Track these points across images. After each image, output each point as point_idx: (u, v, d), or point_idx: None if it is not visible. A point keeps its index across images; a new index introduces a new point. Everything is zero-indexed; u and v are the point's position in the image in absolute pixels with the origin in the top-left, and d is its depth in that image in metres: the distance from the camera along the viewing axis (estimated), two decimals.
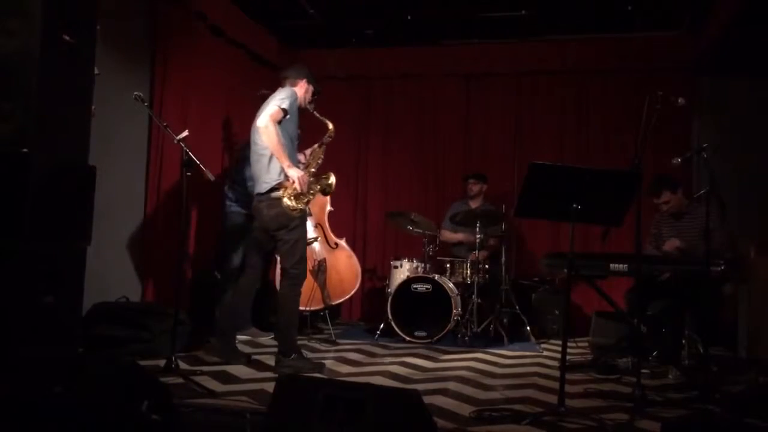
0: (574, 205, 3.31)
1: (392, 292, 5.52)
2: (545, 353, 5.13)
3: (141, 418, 2.27)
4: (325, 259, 5.65)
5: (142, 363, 3.17)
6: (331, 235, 5.84)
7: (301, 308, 5.03)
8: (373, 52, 7.08)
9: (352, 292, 5.87)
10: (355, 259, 5.90)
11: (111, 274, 4.73)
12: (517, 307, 5.68)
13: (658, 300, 4.56)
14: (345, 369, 4.30)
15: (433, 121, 7.09)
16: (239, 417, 2.90)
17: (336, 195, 5.12)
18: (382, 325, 5.56)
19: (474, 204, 6.18)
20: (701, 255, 3.85)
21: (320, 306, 5.58)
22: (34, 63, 2.88)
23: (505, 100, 6.93)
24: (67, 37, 3.01)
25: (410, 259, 5.86)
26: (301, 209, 4.07)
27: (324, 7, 6.13)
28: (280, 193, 4.06)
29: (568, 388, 3.33)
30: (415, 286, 5.48)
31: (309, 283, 5.00)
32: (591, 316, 5.23)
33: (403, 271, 5.78)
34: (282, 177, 4.07)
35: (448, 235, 6.21)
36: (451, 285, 5.54)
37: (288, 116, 4.10)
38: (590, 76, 6.73)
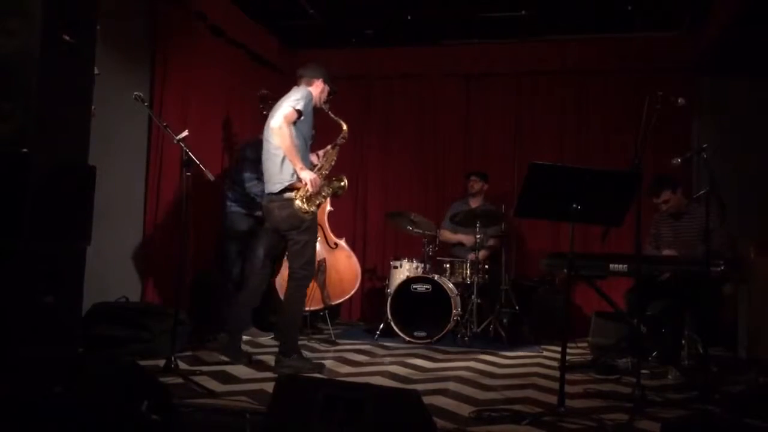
0: (574, 206, 3.31)
1: (392, 292, 5.52)
2: (545, 353, 5.13)
3: (141, 418, 2.27)
4: (324, 259, 5.65)
5: (142, 363, 3.17)
6: (331, 235, 5.84)
7: None
8: (373, 52, 7.08)
9: (352, 293, 5.87)
10: (354, 259, 5.89)
11: (111, 274, 4.73)
12: (517, 308, 5.69)
13: (657, 300, 4.56)
14: (344, 369, 4.29)
15: (433, 121, 7.09)
16: (239, 417, 2.90)
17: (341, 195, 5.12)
18: (381, 326, 5.56)
19: (474, 203, 6.18)
20: (701, 255, 3.85)
21: (320, 306, 5.57)
22: (34, 63, 2.88)
23: (505, 100, 6.93)
24: (67, 37, 3.01)
25: (410, 260, 5.85)
26: (312, 212, 4.07)
27: (324, 7, 6.13)
28: (292, 194, 4.06)
29: (567, 388, 3.33)
30: (414, 287, 5.48)
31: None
32: (591, 317, 5.23)
33: (402, 271, 5.78)
34: (294, 178, 4.06)
35: (448, 235, 6.21)
36: (450, 285, 5.54)
37: (302, 117, 4.08)
38: (590, 76, 6.73)
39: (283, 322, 4.18)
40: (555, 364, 4.55)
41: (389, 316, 5.44)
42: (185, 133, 4.03)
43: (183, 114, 5.38)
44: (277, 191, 4.11)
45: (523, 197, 3.45)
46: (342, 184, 4.26)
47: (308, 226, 4.10)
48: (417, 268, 5.78)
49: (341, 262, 5.79)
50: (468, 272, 5.67)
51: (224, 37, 5.99)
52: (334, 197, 4.48)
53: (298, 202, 4.03)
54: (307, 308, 5.29)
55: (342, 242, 5.89)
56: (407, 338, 5.35)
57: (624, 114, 6.36)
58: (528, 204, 3.49)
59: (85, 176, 3.20)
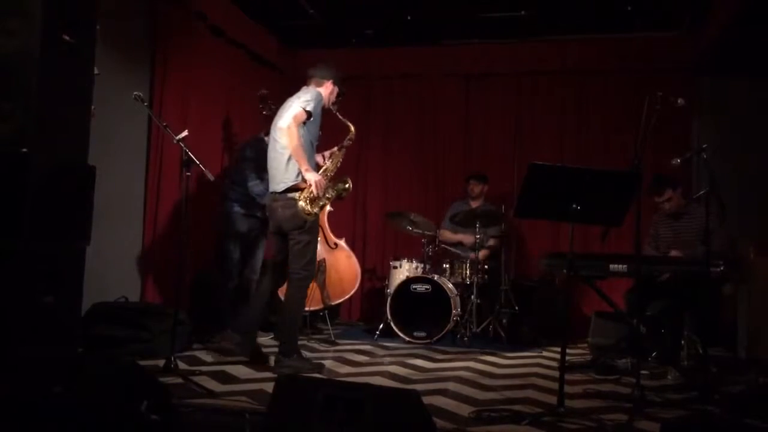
0: (574, 206, 3.31)
1: (392, 292, 5.52)
2: (544, 354, 5.13)
3: (140, 418, 2.27)
4: (324, 259, 5.65)
5: (142, 363, 3.17)
6: (331, 235, 5.84)
7: None
8: (373, 52, 7.08)
9: (352, 293, 5.87)
10: (354, 260, 5.90)
11: (110, 274, 4.73)
12: (517, 308, 5.69)
13: (657, 300, 4.56)
14: (344, 369, 4.29)
15: (433, 121, 7.09)
16: (238, 417, 2.90)
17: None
18: (381, 326, 5.56)
19: (475, 204, 6.17)
20: (701, 255, 3.85)
21: (319, 306, 5.58)
22: (34, 63, 2.88)
23: (505, 101, 6.93)
24: (67, 37, 3.01)
25: (410, 260, 5.85)
26: (315, 213, 4.07)
27: (324, 7, 6.13)
28: (296, 195, 4.06)
29: (567, 388, 3.33)
30: (414, 287, 5.48)
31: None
32: (590, 317, 5.23)
33: (402, 271, 5.78)
34: (299, 179, 4.06)
35: (448, 235, 6.21)
36: (450, 285, 5.54)
37: (311, 118, 4.08)
38: (590, 76, 6.73)
39: (283, 322, 4.18)
40: (554, 364, 4.54)
41: (389, 317, 5.44)
42: (185, 133, 4.03)
43: (183, 114, 5.38)
44: (281, 190, 4.11)
45: (522, 197, 3.46)
46: (346, 186, 4.25)
47: (310, 226, 4.10)
48: (417, 268, 5.78)
49: (341, 262, 5.79)
50: (468, 272, 5.67)
51: (224, 37, 5.99)
52: (338, 199, 4.46)
53: (301, 203, 4.03)
54: (306, 308, 5.29)
55: (342, 242, 5.89)
56: (407, 338, 5.35)
57: (624, 114, 6.36)
58: (528, 204, 3.49)
59: (85, 176, 3.20)
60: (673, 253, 4.67)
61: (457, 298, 5.51)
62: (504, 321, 5.65)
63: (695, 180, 6.11)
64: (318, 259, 5.53)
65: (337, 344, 5.28)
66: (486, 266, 5.79)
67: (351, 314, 6.97)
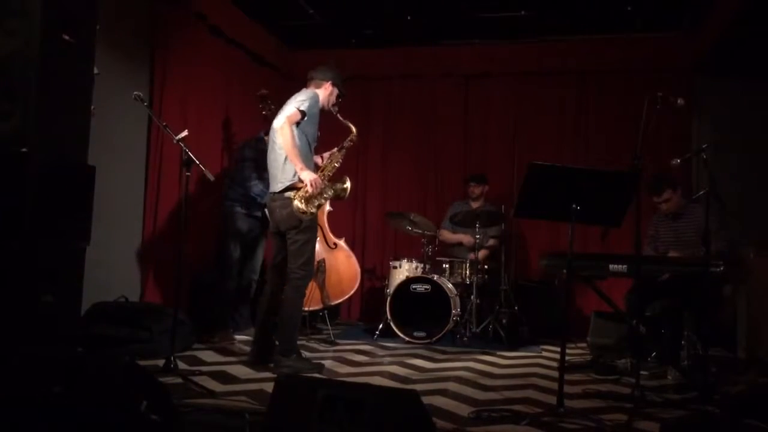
0: (574, 206, 3.31)
1: (391, 292, 5.52)
2: (544, 354, 5.13)
3: (140, 418, 2.27)
4: (324, 259, 5.65)
5: (142, 363, 3.17)
6: (331, 235, 5.84)
7: None
8: (373, 52, 7.08)
9: (351, 293, 5.87)
10: (354, 260, 5.90)
11: (110, 274, 4.73)
12: (516, 308, 5.69)
13: (657, 301, 4.56)
14: (344, 369, 4.30)
15: (432, 121, 7.09)
16: (238, 417, 2.90)
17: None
18: (381, 326, 5.56)
19: (475, 204, 6.17)
20: (700, 256, 3.85)
21: (319, 306, 5.58)
22: (34, 63, 2.89)
23: (504, 101, 6.92)
24: (67, 37, 3.01)
25: (409, 260, 5.85)
26: (311, 212, 4.07)
27: (324, 8, 6.13)
28: (292, 194, 4.07)
29: (567, 388, 3.33)
30: (414, 287, 5.48)
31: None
32: (590, 317, 5.23)
33: (402, 271, 5.78)
34: (296, 178, 4.07)
35: (448, 235, 6.21)
36: (450, 285, 5.54)
37: (306, 118, 4.09)
38: (590, 76, 6.73)
39: (281, 322, 4.18)
40: (554, 364, 4.55)
41: (389, 316, 5.44)
42: (185, 133, 4.03)
43: (183, 114, 5.38)
44: (278, 190, 4.13)
45: (522, 197, 3.46)
46: (345, 186, 4.24)
47: (307, 225, 4.10)
48: (416, 268, 5.78)
49: (341, 262, 5.79)
50: (467, 272, 5.67)
51: (224, 37, 5.99)
52: (338, 199, 4.45)
53: (296, 203, 4.03)
54: (306, 308, 5.30)
55: (341, 242, 5.89)
56: (407, 338, 5.35)
57: (623, 114, 6.36)
58: (527, 204, 3.49)
59: (85, 176, 3.20)
60: (672, 253, 4.67)
61: (457, 298, 5.52)
62: (504, 321, 5.65)
63: (695, 180, 6.11)
64: (318, 259, 5.55)
65: (337, 344, 5.28)
66: (486, 266, 5.79)
67: (351, 314, 6.97)
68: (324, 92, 4.32)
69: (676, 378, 4.14)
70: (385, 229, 6.96)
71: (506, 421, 3.11)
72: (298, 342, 4.36)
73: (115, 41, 4.64)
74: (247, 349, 4.56)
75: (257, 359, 4.23)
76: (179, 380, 3.62)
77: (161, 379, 3.04)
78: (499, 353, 5.05)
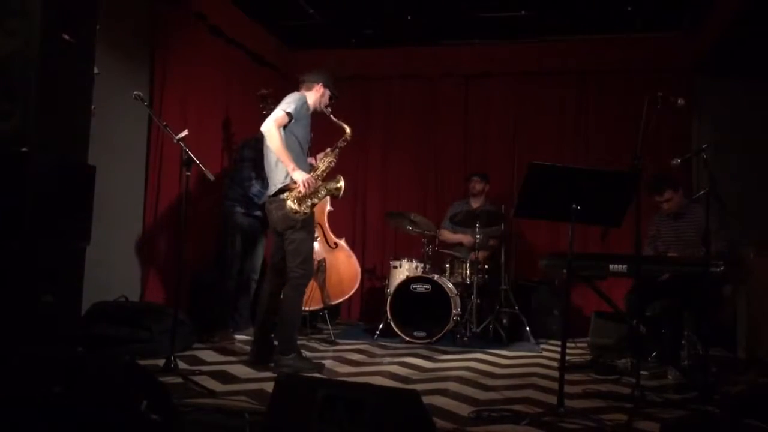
0: (574, 206, 3.31)
1: (391, 292, 5.52)
2: (544, 354, 5.13)
3: (140, 417, 2.27)
4: (324, 259, 5.65)
5: (142, 362, 3.17)
6: (331, 235, 5.84)
7: None
8: (373, 52, 7.08)
9: (352, 292, 5.87)
10: (354, 259, 5.90)
11: (110, 274, 4.73)
12: (517, 308, 5.69)
13: (657, 301, 4.56)
14: (344, 369, 4.29)
15: (432, 121, 7.09)
16: (238, 417, 2.90)
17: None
18: (381, 325, 5.57)
19: (475, 203, 6.18)
20: (700, 256, 3.85)
21: (319, 306, 5.58)
22: (35, 63, 2.89)
23: (504, 100, 6.93)
24: (67, 37, 3.01)
25: (410, 259, 5.85)
26: (304, 212, 4.07)
27: (324, 8, 6.13)
28: (284, 195, 4.07)
29: (567, 388, 3.33)
30: (414, 286, 5.48)
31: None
32: (590, 317, 5.23)
33: (402, 271, 5.78)
34: (288, 180, 4.08)
35: (448, 235, 6.21)
36: (450, 285, 5.54)
37: (295, 120, 4.10)
38: (590, 76, 6.73)
39: (281, 321, 4.18)
40: (554, 364, 4.55)
41: (389, 316, 5.44)
42: (185, 133, 4.03)
43: (183, 113, 5.38)
44: (272, 193, 4.16)
45: (522, 197, 3.45)
46: (338, 185, 4.24)
47: (303, 225, 4.11)
48: (417, 268, 5.78)
49: (341, 262, 5.79)
50: (468, 272, 5.67)
51: (224, 37, 5.99)
52: (334, 199, 4.46)
53: (289, 203, 4.05)
54: (306, 308, 5.31)
55: (342, 242, 5.89)
56: (407, 338, 5.35)
57: (623, 114, 6.36)
58: (527, 204, 3.49)
59: (85, 175, 3.20)
60: (671, 254, 4.67)
61: (457, 298, 5.51)
62: (504, 321, 5.65)
63: (695, 180, 6.11)
64: (318, 258, 5.55)
65: (337, 344, 5.28)
66: (486, 266, 5.79)
67: (351, 314, 6.97)
68: (315, 94, 4.35)
69: (676, 378, 4.14)
70: (385, 228, 6.97)
71: (506, 420, 3.11)
72: (299, 342, 4.36)
73: (115, 41, 4.64)
74: (248, 348, 4.56)
75: (257, 359, 4.23)
76: (179, 380, 3.62)
77: (161, 379, 3.04)
78: (499, 353, 5.05)
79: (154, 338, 4.30)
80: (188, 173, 4.01)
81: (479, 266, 5.64)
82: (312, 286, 5.42)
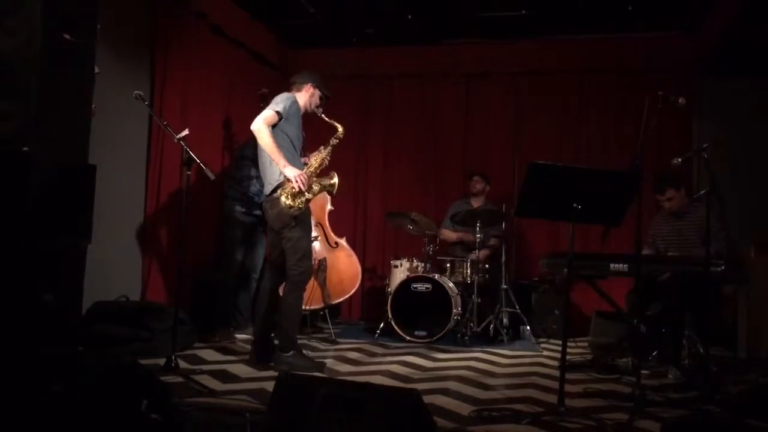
0: (574, 205, 3.31)
1: (392, 291, 5.52)
2: (545, 353, 5.13)
3: (141, 417, 2.27)
4: (325, 258, 5.65)
5: (142, 362, 3.17)
6: (332, 234, 5.84)
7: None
8: (374, 51, 7.07)
9: (352, 292, 5.87)
10: (355, 259, 5.90)
11: (111, 273, 4.74)
12: (517, 307, 5.68)
13: (658, 300, 4.56)
14: (345, 368, 4.30)
15: (433, 120, 7.09)
16: (239, 416, 2.90)
17: (336, 194, 5.11)
18: (382, 325, 5.56)
19: (476, 203, 6.18)
20: (702, 255, 3.85)
21: (320, 305, 5.58)
22: (35, 62, 2.88)
23: (505, 100, 6.92)
24: (67, 36, 3.01)
25: (410, 259, 5.86)
26: (298, 207, 4.08)
27: (325, 7, 6.13)
28: (278, 192, 4.08)
29: (567, 387, 3.33)
30: (415, 286, 5.48)
31: (309, 283, 4.99)
32: (591, 316, 5.23)
33: (403, 270, 5.78)
34: (282, 177, 4.10)
35: (448, 234, 6.21)
36: (451, 284, 5.54)
37: (285, 119, 4.13)
38: (590, 76, 6.73)
39: (281, 318, 4.19)
40: (555, 363, 4.55)
41: (389, 316, 5.45)
42: (185, 132, 4.04)
43: (183, 113, 5.38)
44: (268, 192, 4.19)
45: (523, 197, 3.45)
46: (332, 182, 4.25)
47: (299, 222, 4.13)
48: (417, 267, 5.78)
49: (342, 261, 5.79)
50: (468, 272, 5.68)
51: (224, 36, 5.99)
52: (330, 195, 4.48)
53: (282, 198, 4.06)
54: (307, 307, 5.31)
55: (342, 241, 5.90)
56: (407, 337, 5.35)
57: (624, 114, 6.37)
58: (528, 204, 3.49)
59: (86, 175, 3.19)
60: (671, 253, 4.67)
61: (458, 298, 5.52)
62: (504, 320, 5.65)
63: (696, 180, 6.11)
64: (319, 258, 5.56)
65: (338, 343, 5.29)
66: (486, 266, 5.79)
67: (351, 313, 6.97)
68: (305, 94, 4.39)
69: (676, 377, 4.14)
70: (385, 228, 6.97)
71: (507, 420, 3.11)
72: (300, 341, 4.36)
73: (115, 40, 4.64)
74: (248, 347, 4.56)
75: (258, 358, 4.24)
76: (180, 379, 3.63)
77: (162, 378, 3.05)
78: (499, 352, 5.05)
79: (154, 337, 4.31)
80: (189, 172, 4.01)
81: (480, 266, 5.64)
82: (313, 285, 5.42)
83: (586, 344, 5.21)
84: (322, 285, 5.58)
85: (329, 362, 4.40)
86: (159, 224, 5.19)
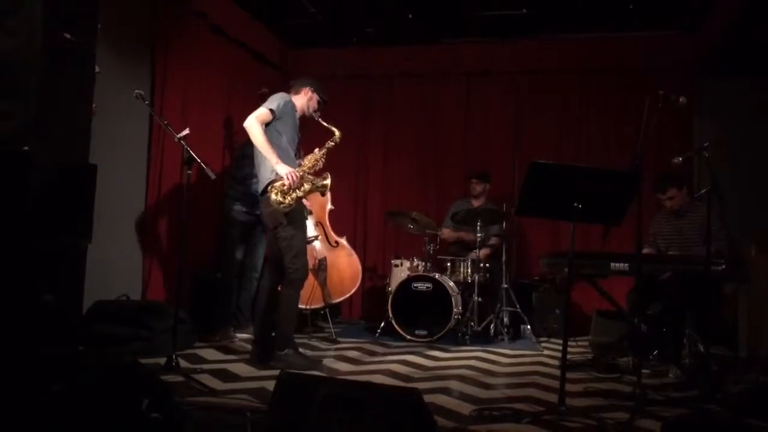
0: (575, 204, 3.31)
1: (393, 290, 5.52)
2: (546, 352, 5.13)
3: (141, 416, 2.27)
4: (325, 257, 5.65)
5: (143, 361, 3.17)
6: (332, 233, 5.84)
7: (302, 306, 5.05)
8: (374, 50, 7.07)
9: (353, 291, 5.88)
10: (355, 258, 5.90)
11: (112, 272, 4.73)
12: (518, 306, 5.68)
13: (658, 299, 4.56)
14: (345, 367, 4.30)
15: (433, 119, 7.09)
16: (240, 415, 2.90)
17: (336, 194, 5.13)
18: (382, 324, 5.56)
19: (477, 203, 6.17)
20: (702, 254, 3.84)
21: (321, 304, 5.58)
22: (35, 61, 2.88)
23: (505, 99, 6.92)
24: (67, 36, 3.01)
25: (411, 258, 5.85)
26: (288, 204, 4.08)
27: (325, 6, 6.13)
28: (269, 189, 4.10)
29: (568, 387, 3.33)
30: (415, 285, 5.48)
31: (309, 282, 5.01)
32: (592, 315, 5.23)
33: (403, 269, 5.78)
34: (274, 175, 4.10)
35: (449, 233, 6.21)
36: (451, 284, 5.54)
37: (279, 118, 4.15)
38: (590, 75, 6.73)
39: (278, 316, 4.19)
40: (556, 362, 4.55)
41: (390, 315, 5.45)
42: (186, 132, 4.04)
43: (184, 112, 5.38)
44: (260, 191, 4.19)
45: (523, 196, 3.45)
46: (325, 182, 4.25)
47: (290, 221, 4.13)
48: (418, 266, 5.78)
49: (342, 261, 5.79)
50: (469, 271, 5.67)
51: (225, 35, 5.99)
52: (322, 195, 4.52)
53: (272, 195, 4.07)
54: (308, 306, 5.33)
55: (343, 241, 5.90)
56: (408, 336, 5.35)
57: (624, 113, 6.36)
58: (529, 203, 3.48)
59: (86, 174, 3.19)
60: (671, 252, 4.67)
61: (458, 297, 5.52)
62: (505, 319, 5.65)
63: (696, 179, 6.11)
64: (319, 257, 5.57)
65: (338, 342, 5.29)
66: (487, 265, 5.79)
67: (352, 312, 6.97)
68: (303, 98, 4.42)
69: (677, 376, 4.14)
70: (386, 227, 6.97)
71: (507, 419, 3.11)
72: (300, 341, 4.36)
73: (116, 40, 4.64)
74: (248, 347, 4.56)
75: (258, 357, 4.24)
76: (180, 378, 3.63)
77: (162, 378, 3.05)
78: (500, 351, 5.05)
79: (155, 337, 4.31)
80: (189, 172, 4.01)
81: (480, 265, 5.64)
82: (313, 285, 5.43)
83: (586, 343, 5.21)
84: (323, 284, 5.58)
85: (329, 362, 4.41)
86: (160, 224, 5.19)
